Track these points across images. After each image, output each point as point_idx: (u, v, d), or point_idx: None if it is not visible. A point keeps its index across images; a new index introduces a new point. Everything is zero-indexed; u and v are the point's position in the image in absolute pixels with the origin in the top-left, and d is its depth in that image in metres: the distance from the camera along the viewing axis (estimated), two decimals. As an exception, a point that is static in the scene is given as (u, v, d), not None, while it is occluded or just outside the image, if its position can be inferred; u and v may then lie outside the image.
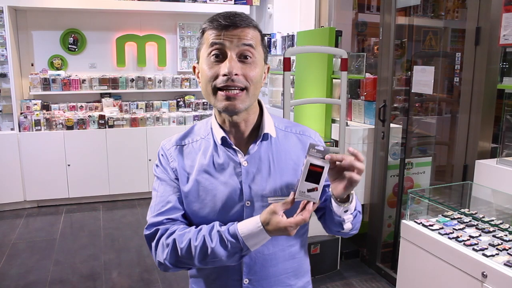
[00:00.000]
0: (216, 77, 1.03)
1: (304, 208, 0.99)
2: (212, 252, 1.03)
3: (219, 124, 1.14)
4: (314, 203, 0.98)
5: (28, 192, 4.75)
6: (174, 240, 1.06)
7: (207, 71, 1.05)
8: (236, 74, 1.02)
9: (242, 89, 1.04)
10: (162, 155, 1.18)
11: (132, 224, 4.43)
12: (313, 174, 0.96)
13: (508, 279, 1.68)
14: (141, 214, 4.69)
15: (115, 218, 4.59)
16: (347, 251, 3.56)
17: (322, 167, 0.96)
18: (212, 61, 1.04)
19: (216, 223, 1.06)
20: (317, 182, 0.96)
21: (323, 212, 1.15)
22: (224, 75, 1.02)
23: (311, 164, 0.97)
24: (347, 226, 1.10)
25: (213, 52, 1.04)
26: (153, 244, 1.11)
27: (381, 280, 3.28)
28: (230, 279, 1.14)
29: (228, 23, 1.02)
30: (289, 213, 1.00)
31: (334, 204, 1.06)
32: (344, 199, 1.05)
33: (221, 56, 1.04)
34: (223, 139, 1.11)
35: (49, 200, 4.90)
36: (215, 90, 1.04)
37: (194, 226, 1.09)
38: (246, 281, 1.13)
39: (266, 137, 1.13)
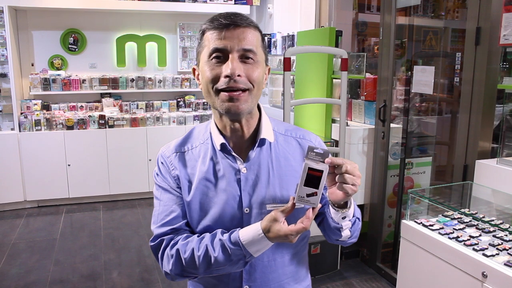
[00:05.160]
0: (217, 78, 1.01)
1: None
2: (215, 261, 1.02)
3: (218, 130, 1.11)
4: (314, 208, 0.96)
5: (28, 192, 4.75)
6: (178, 250, 1.06)
7: (209, 72, 1.02)
8: (239, 75, 1.00)
9: (244, 90, 1.02)
10: (162, 163, 1.15)
11: (132, 224, 4.43)
12: (312, 179, 0.93)
13: (508, 279, 1.67)
14: (141, 214, 4.69)
15: (115, 218, 4.59)
16: (347, 251, 3.56)
17: (321, 171, 0.93)
18: (213, 62, 1.02)
19: (218, 231, 1.05)
20: (316, 187, 0.93)
21: (322, 218, 1.14)
22: (226, 76, 0.99)
23: (310, 168, 0.93)
24: (345, 233, 1.08)
25: (214, 54, 1.01)
26: (159, 255, 1.10)
27: (381, 280, 3.28)
28: (230, 286, 1.13)
29: (229, 22, 1.00)
30: (291, 219, 0.99)
31: (331, 209, 1.05)
32: (342, 205, 1.04)
33: (222, 57, 1.01)
34: (222, 145, 1.09)
35: (49, 200, 4.90)
36: (217, 91, 1.02)
37: (197, 235, 1.08)
38: (246, 287, 1.13)
39: (263, 142, 1.11)
